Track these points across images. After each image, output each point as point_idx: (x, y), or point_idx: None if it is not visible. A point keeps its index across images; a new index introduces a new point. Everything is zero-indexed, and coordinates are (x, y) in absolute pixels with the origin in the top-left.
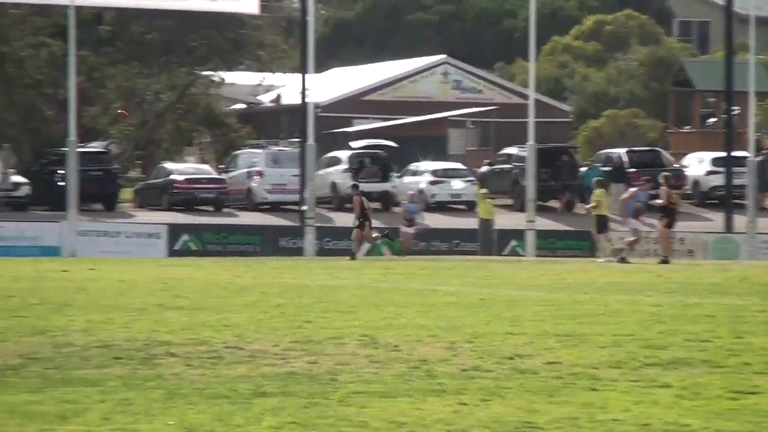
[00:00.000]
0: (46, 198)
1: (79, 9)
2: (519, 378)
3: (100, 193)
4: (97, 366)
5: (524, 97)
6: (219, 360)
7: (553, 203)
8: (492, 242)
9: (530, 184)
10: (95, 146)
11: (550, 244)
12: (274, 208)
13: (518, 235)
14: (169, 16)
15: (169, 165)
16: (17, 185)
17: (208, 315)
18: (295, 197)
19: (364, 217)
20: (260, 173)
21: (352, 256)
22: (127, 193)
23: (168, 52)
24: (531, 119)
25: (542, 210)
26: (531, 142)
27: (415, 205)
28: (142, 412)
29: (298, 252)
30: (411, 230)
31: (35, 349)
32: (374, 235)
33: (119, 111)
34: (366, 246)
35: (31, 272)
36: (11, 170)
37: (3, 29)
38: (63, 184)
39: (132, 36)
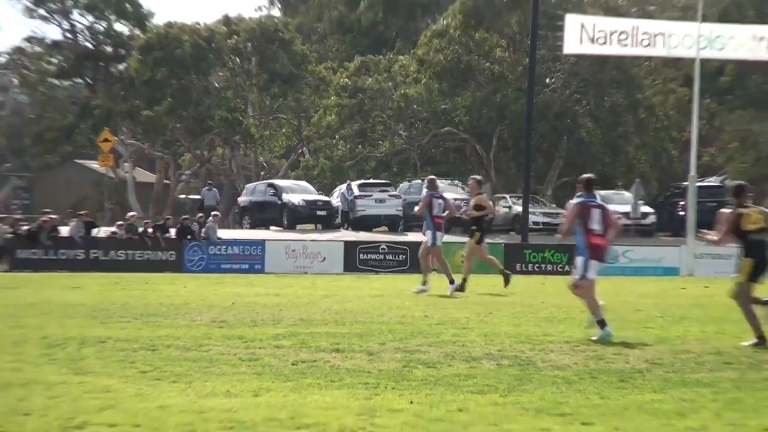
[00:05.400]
0: (669, 226)
1: (704, 62)
2: None
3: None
4: (710, 370)
5: None
6: None
7: None
8: None
9: None
10: (711, 181)
11: None
12: None
13: None
14: None
15: None
16: (646, 214)
17: None
18: None
19: None
20: None
21: None
22: None
23: None
24: None
25: None
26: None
27: None
28: (750, 409)
29: None
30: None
31: (658, 355)
32: None
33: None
34: None
35: (655, 289)
36: (641, 201)
37: (638, 79)
38: (683, 213)
39: (749, 86)
